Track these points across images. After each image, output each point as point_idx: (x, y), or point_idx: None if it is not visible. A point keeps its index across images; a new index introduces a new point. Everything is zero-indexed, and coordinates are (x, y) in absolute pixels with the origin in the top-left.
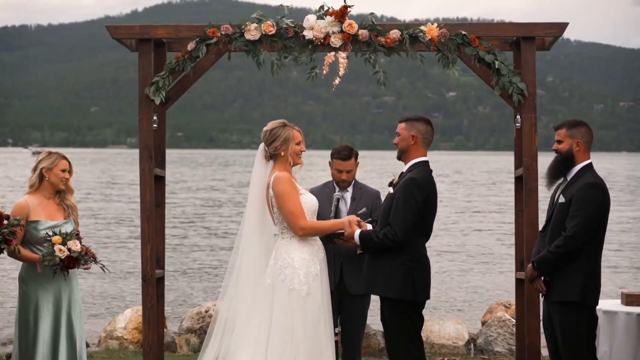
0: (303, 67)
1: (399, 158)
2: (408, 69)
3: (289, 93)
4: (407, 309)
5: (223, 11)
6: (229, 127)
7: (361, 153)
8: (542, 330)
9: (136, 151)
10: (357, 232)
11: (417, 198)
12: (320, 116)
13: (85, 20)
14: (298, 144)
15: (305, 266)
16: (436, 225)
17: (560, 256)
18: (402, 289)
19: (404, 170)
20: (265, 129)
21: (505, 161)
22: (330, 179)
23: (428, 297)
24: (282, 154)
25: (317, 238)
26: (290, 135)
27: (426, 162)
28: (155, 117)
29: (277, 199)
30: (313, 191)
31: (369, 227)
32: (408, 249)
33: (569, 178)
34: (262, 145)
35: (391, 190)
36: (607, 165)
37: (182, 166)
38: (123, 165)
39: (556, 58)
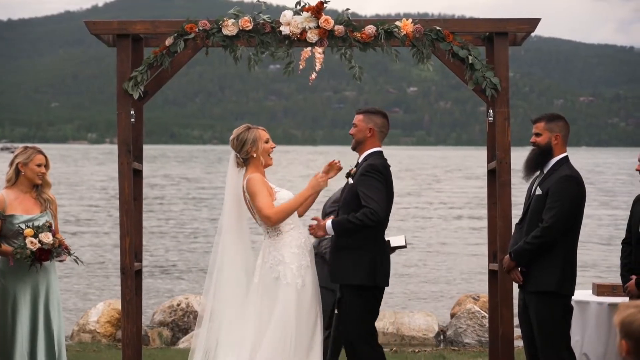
0: (264, 62)
1: (354, 149)
2: (369, 64)
3: (250, 88)
4: (368, 295)
5: (185, 6)
6: (190, 122)
7: (322, 148)
8: (515, 321)
9: (98, 147)
10: (329, 221)
11: (380, 180)
12: (282, 111)
13: (45, 16)
14: (267, 141)
15: (297, 260)
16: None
17: (537, 247)
18: (366, 276)
19: (360, 160)
20: (231, 137)
21: (469, 156)
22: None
23: (387, 284)
24: (254, 155)
25: (306, 231)
26: (257, 135)
27: (381, 153)
28: (132, 112)
29: (251, 199)
30: (334, 198)
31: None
32: (370, 238)
33: (545, 171)
34: (233, 154)
35: (350, 180)
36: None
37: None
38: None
39: (516, 53)
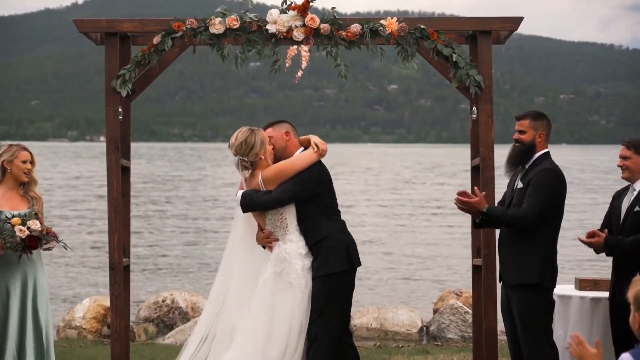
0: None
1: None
2: (350, 62)
3: (231, 86)
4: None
5: (166, 4)
6: (170, 120)
7: None
8: (498, 315)
9: (78, 144)
10: (240, 192)
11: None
12: (262, 109)
13: (25, 13)
14: (269, 143)
15: (301, 260)
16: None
17: (509, 224)
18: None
19: None
20: (236, 142)
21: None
22: None
23: (355, 266)
24: (263, 157)
25: None
26: (264, 137)
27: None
28: (120, 109)
29: (280, 178)
30: None
31: None
32: (318, 228)
33: (527, 166)
34: (235, 159)
35: None
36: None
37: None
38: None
39: (497, 51)
